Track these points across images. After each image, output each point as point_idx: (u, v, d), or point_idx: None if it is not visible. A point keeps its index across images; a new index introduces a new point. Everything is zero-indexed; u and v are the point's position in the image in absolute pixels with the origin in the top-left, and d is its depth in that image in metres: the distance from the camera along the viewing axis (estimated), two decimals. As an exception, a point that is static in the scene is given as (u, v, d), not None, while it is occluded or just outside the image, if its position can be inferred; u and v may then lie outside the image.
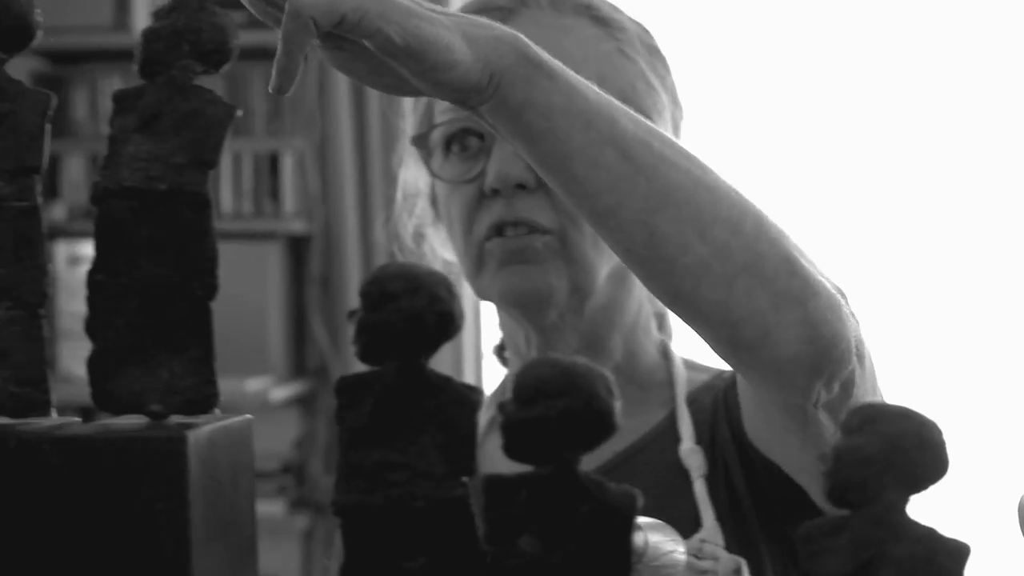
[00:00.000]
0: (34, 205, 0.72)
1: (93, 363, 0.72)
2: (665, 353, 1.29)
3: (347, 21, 0.86)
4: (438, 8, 0.92)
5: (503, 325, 1.29)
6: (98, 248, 0.72)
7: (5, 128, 0.71)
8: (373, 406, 0.67)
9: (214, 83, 0.73)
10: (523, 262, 1.18)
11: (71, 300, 3.18)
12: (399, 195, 1.34)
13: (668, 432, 1.23)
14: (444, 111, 1.21)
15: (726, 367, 1.29)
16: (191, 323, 0.71)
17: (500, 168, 1.16)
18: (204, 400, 0.72)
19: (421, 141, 1.24)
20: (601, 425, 0.64)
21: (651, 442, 1.23)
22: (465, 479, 0.67)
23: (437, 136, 1.22)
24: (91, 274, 0.72)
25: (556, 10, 1.22)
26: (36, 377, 0.72)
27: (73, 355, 3.40)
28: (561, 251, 1.18)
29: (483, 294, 1.21)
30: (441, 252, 1.32)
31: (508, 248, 1.18)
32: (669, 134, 1.23)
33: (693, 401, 1.24)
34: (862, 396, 1.04)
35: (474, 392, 0.67)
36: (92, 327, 0.71)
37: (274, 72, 0.87)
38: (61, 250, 3.63)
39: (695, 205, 0.95)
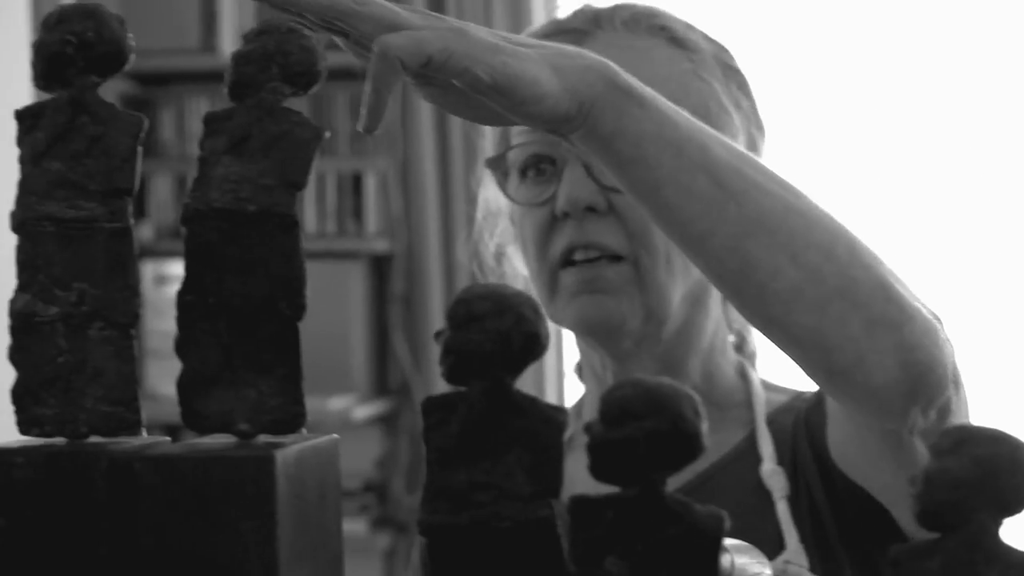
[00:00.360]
0: (126, 226, 0.73)
1: (182, 383, 0.72)
2: (743, 374, 1.28)
3: (434, 62, 0.87)
4: (524, 40, 0.93)
5: (579, 347, 1.29)
6: (188, 269, 0.72)
7: (98, 150, 0.72)
8: (459, 426, 0.67)
9: (299, 103, 0.74)
10: (595, 291, 1.17)
11: (158, 319, 3.21)
12: (479, 214, 1.35)
13: (749, 452, 1.22)
14: (519, 133, 1.22)
15: (804, 388, 1.27)
16: (279, 343, 0.72)
17: (570, 191, 1.16)
18: (291, 420, 0.72)
19: (497, 163, 1.24)
20: (688, 446, 0.64)
21: (732, 462, 1.22)
22: (551, 500, 0.67)
23: (512, 159, 1.22)
24: (181, 294, 0.72)
25: (630, 31, 1.21)
26: (127, 397, 0.73)
27: (160, 374, 3.44)
28: (634, 278, 1.18)
29: (557, 320, 1.21)
30: (522, 270, 1.32)
31: (581, 278, 1.18)
32: (744, 148, 1.22)
33: (772, 421, 1.23)
34: (957, 422, 1.02)
35: (559, 412, 0.67)
36: (182, 347, 0.72)
37: (363, 111, 0.89)
38: (148, 270, 3.67)
39: (787, 230, 0.95)
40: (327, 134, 0.72)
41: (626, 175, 0.95)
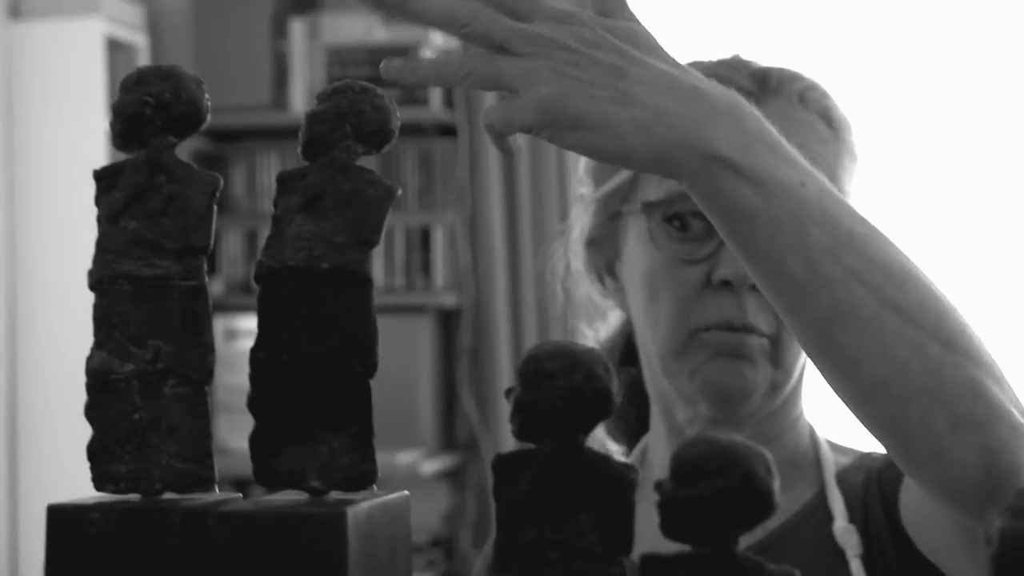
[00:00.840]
0: (200, 284, 0.74)
1: (255, 439, 0.73)
2: (812, 435, 1.27)
3: (528, 131, 0.91)
4: (631, 86, 0.91)
5: (660, 393, 1.24)
6: (261, 326, 0.73)
7: (174, 209, 0.73)
8: (530, 483, 0.67)
9: (367, 158, 0.74)
10: (737, 357, 1.17)
11: (227, 373, 3.23)
12: (566, 238, 1.32)
13: (819, 510, 1.20)
14: (661, 183, 1.18)
15: (871, 449, 1.26)
16: (351, 400, 0.72)
17: (737, 266, 1.13)
18: (362, 476, 0.72)
19: (651, 208, 1.20)
20: (760, 504, 0.63)
21: (803, 520, 1.20)
22: (622, 558, 0.66)
23: (660, 211, 1.19)
24: (254, 351, 0.73)
25: (804, 106, 1.21)
26: (201, 453, 0.73)
27: (229, 428, 3.46)
28: (770, 353, 1.18)
29: (675, 377, 1.19)
30: (591, 295, 1.29)
31: (729, 342, 1.17)
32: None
33: (842, 480, 1.22)
34: None
35: (631, 470, 0.67)
36: (255, 404, 0.73)
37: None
38: (218, 324, 3.71)
39: (878, 324, 0.93)
40: (399, 192, 0.73)
41: (724, 237, 0.95)
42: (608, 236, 1.25)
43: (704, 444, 0.63)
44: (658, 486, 0.64)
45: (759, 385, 1.18)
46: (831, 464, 1.23)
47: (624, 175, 1.23)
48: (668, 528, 0.64)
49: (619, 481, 0.66)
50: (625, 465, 0.67)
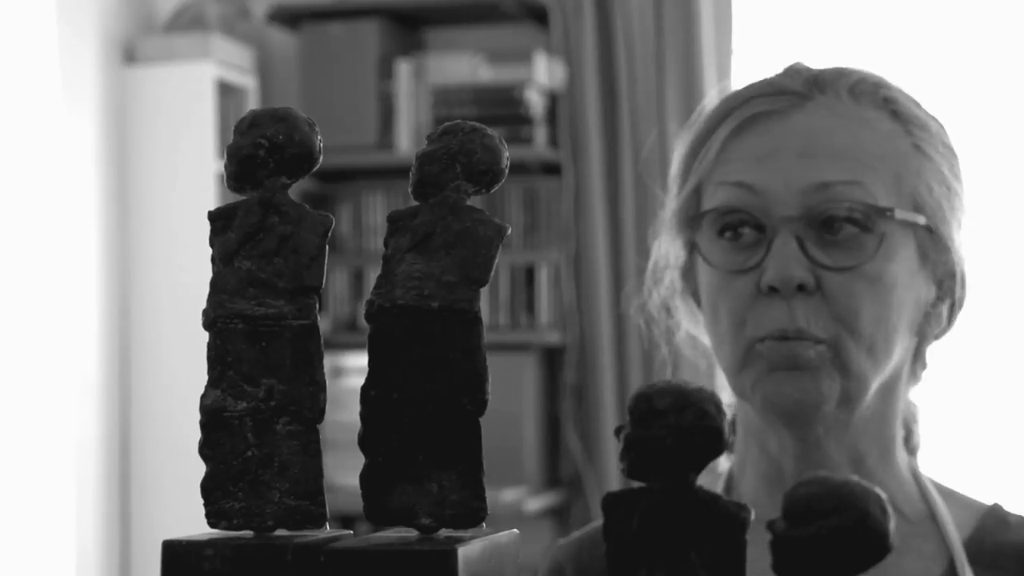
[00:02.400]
0: (313, 323, 0.74)
1: (366, 477, 0.73)
2: (915, 476, 1.21)
3: None
4: None
5: (748, 421, 1.22)
6: (371, 364, 0.73)
7: (287, 249, 0.74)
8: (640, 522, 0.66)
9: (473, 198, 0.75)
10: (795, 369, 1.12)
11: (334, 411, 3.25)
12: (650, 267, 1.29)
13: None
14: (717, 189, 1.17)
15: (981, 498, 1.20)
16: (461, 438, 0.72)
17: (782, 268, 1.11)
18: (472, 514, 0.72)
19: (694, 222, 1.19)
20: (876, 545, 0.62)
21: None
22: (734, 598, 0.66)
23: (710, 218, 1.18)
24: (365, 389, 0.73)
25: (855, 100, 1.17)
26: (312, 491, 0.74)
27: (336, 464, 3.48)
28: (833, 360, 1.12)
29: (743, 394, 1.16)
30: (687, 326, 1.27)
31: (781, 353, 1.12)
32: (956, 233, 1.16)
33: (976, 553, 1.16)
34: None
35: (742, 510, 0.66)
36: (366, 441, 0.73)
37: None
38: (326, 362, 3.73)
39: None
40: (509, 231, 0.73)
41: None
42: (691, 266, 1.24)
43: (819, 484, 0.62)
44: (771, 525, 0.64)
45: (824, 396, 1.12)
46: (950, 523, 1.17)
47: (684, 195, 1.21)
48: (781, 568, 0.63)
49: (730, 520, 0.66)
50: (736, 504, 0.66)
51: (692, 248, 1.22)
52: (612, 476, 3.79)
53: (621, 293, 3.91)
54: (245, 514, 0.74)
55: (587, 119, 3.92)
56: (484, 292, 0.73)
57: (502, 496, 3.63)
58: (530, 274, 3.97)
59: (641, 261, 1.38)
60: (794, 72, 1.20)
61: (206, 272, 0.75)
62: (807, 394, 1.13)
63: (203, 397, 0.74)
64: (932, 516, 1.19)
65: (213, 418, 0.74)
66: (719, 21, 3.89)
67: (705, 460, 0.66)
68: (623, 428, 0.66)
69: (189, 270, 3.69)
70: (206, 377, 0.75)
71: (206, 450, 0.74)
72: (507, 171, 0.74)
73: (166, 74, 3.89)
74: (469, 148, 0.73)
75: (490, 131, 0.73)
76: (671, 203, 1.24)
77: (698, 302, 1.24)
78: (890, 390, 1.18)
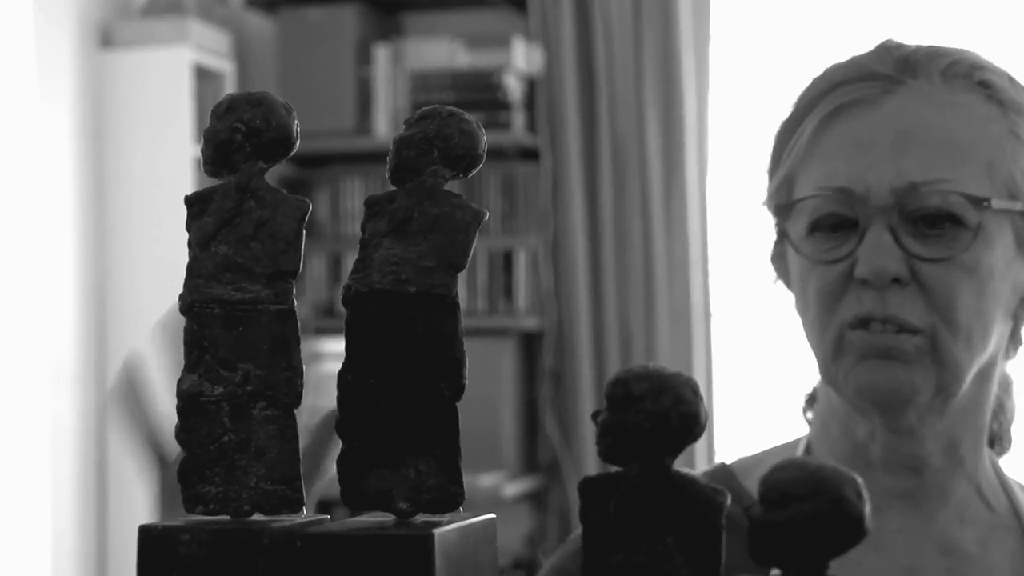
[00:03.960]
0: (290, 308, 0.74)
1: (343, 462, 0.73)
2: (997, 471, 1.20)
3: None
4: None
5: (831, 403, 1.19)
6: (348, 349, 0.73)
7: (264, 234, 0.74)
8: (617, 507, 0.66)
9: (451, 183, 0.75)
10: (887, 358, 1.10)
11: (312, 396, 3.25)
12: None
13: None
14: (817, 187, 1.14)
15: None
16: (438, 423, 0.72)
17: (875, 259, 1.09)
18: (450, 499, 0.72)
19: (784, 211, 1.17)
20: (851, 529, 0.63)
21: None
22: (711, 583, 0.66)
23: (804, 208, 1.15)
24: (342, 374, 0.73)
25: (947, 84, 1.13)
26: (289, 475, 0.74)
27: (314, 450, 3.48)
28: (930, 352, 1.10)
29: (835, 383, 1.14)
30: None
31: (873, 343, 1.10)
32: None
33: None
34: None
35: (719, 494, 0.66)
36: (342, 426, 0.73)
37: None
38: (303, 347, 3.73)
39: None
40: (487, 216, 0.73)
41: None
42: (780, 254, 1.22)
43: (794, 468, 0.62)
44: (747, 510, 0.64)
45: (918, 387, 1.10)
46: None
47: (775, 185, 1.18)
48: (758, 552, 0.63)
49: (707, 505, 0.66)
50: (713, 488, 0.66)
51: (782, 235, 1.19)
52: (590, 461, 3.79)
53: (598, 278, 3.91)
54: (222, 499, 0.74)
55: (565, 104, 3.92)
56: (462, 277, 0.73)
57: (480, 481, 3.63)
58: (508, 259, 3.97)
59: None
60: (885, 51, 1.16)
61: (183, 257, 0.75)
62: (900, 384, 1.11)
63: (179, 382, 0.74)
64: (1015, 511, 1.18)
65: (189, 403, 0.74)
66: (697, 7, 3.89)
67: (682, 445, 0.66)
68: (600, 413, 0.66)
69: (166, 255, 3.68)
70: (183, 362, 0.75)
71: (182, 435, 0.74)
72: (485, 156, 0.74)
73: (143, 59, 3.87)
74: (447, 133, 0.73)
75: (468, 116, 0.73)
76: (766, 188, 1.21)
77: (788, 285, 1.22)
78: (985, 376, 1.16)
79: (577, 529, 1.31)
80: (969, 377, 1.13)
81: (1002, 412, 1.22)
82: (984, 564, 1.14)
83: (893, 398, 1.11)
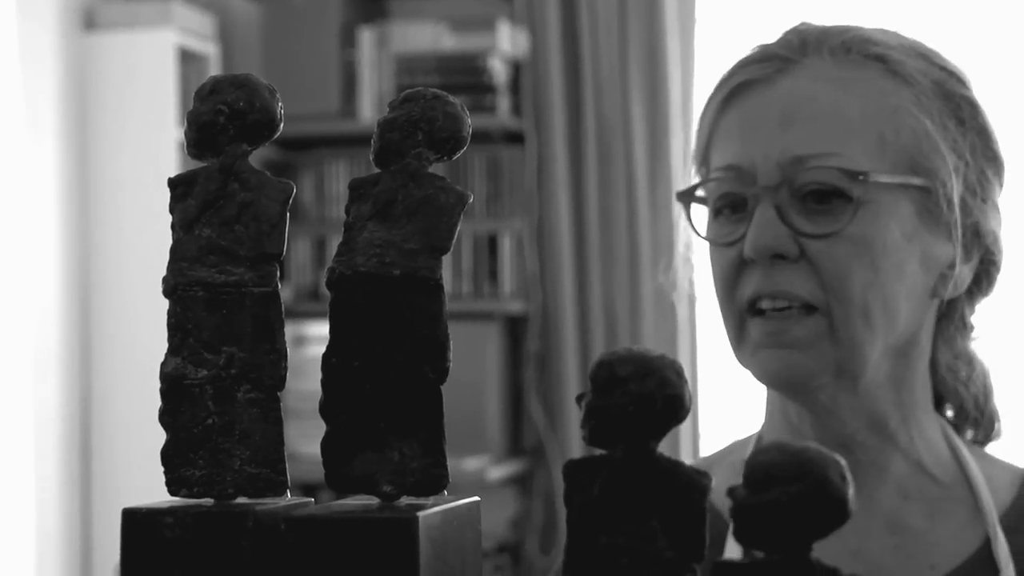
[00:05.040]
0: (273, 291, 0.74)
1: (327, 444, 0.73)
2: (948, 438, 1.19)
3: None
4: None
5: (774, 401, 1.21)
6: (333, 332, 0.73)
7: (247, 217, 0.74)
8: (601, 489, 0.67)
9: (435, 165, 0.74)
10: (782, 346, 1.11)
11: (296, 379, 3.26)
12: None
13: (987, 561, 1.14)
14: (716, 169, 1.16)
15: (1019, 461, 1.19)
16: (422, 405, 0.72)
17: (757, 236, 1.10)
18: (434, 481, 0.73)
19: (686, 196, 1.19)
20: (835, 511, 0.63)
21: (971, 574, 1.14)
22: (694, 564, 0.66)
23: (707, 193, 1.17)
24: (326, 357, 0.73)
25: (838, 60, 1.14)
26: (273, 458, 0.74)
27: (298, 433, 3.48)
28: (826, 332, 1.10)
29: (743, 366, 1.16)
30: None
31: (767, 330, 1.11)
32: (957, 192, 1.12)
33: (1018, 520, 1.15)
34: None
35: (703, 477, 0.67)
36: (327, 409, 0.73)
37: None
38: (288, 331, 3.72)
39: None
40: (471, 198, 0.73)
41: None
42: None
43: (778, 450, 0.62)
44: (731, 492, 0.64)
45: (815, 371, 1.11)
46: (985, 490, 1.16)
47: (698, 157, 1.20)
48: (742, 534, 0.64)
49: (691, 487, 0.66)
50: (697, 471, 0.67)
51: (685, 204, 1.21)
52: (575, 444, 3.80)
53: (583, 262, 3.91)
54: (206, 482, 0.74)
55: (550, 88, 3.91)
56: (447, 261, 0.73)
57: (465, 464, 3.63)
58: (493, 243, 3.97)
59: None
60: (792, 33, 1.18)
61: (166, 239, 0.75)
62: (797, 370, 1.12)
63: (163, 365, 0.74)
64: (967, 480, 1.18)
65: (173, 386, 0.74)
66: (683, -10, 3.89)
67: (666, 427, 0.66)
68: (584, 396, 0.66)
69: (149, 237, 3.67)
70: (167, 344, 0.75)
71: (166, 418, 0.74)
72: (469, 138, 0.74)
73: (126, 41, 3.86)
74: (431, 115, 0.73)
75: (452, 98, 0.73)
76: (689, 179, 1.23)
77: None
78: (904, 354, 1.15)
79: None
80: (874, 355, 1.12)
81: (965, 390, 1.22)
82: (932, 537, 1.15)
83: (791, 383, 1.13)
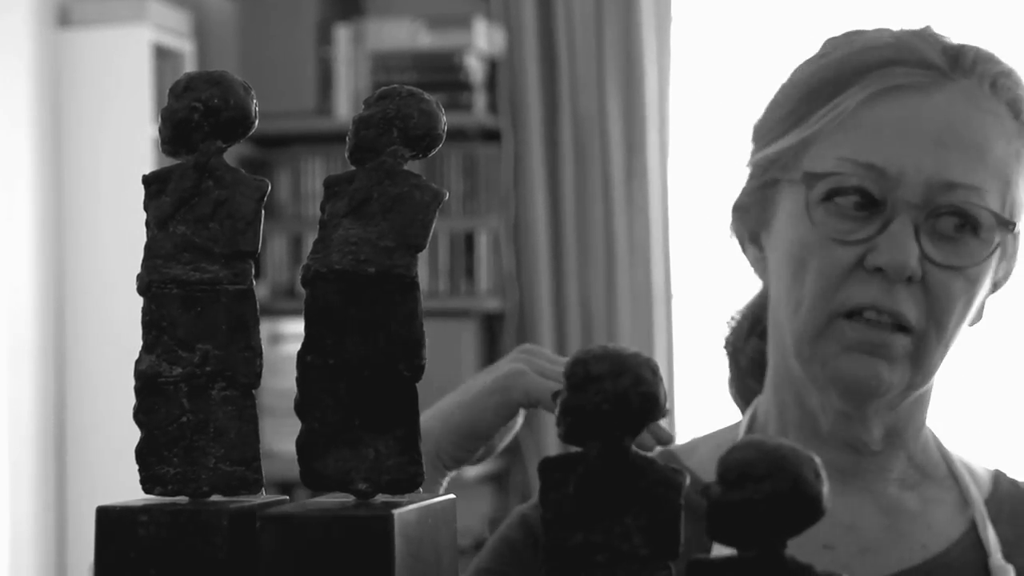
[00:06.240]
0: (248, 288, 0.74)
1: (302, 442, 0.73)
2: (940, 447, 1.22)
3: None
4: None
5: (792, 374, 1.17)
6: (308, 330, 0.73)
7: (222, 214, 0.73)
8: (576, 487, 0.67)
9: (411, 163, 0.74)
10: (874, 355, 1.11)
11: (272, 377, 3.25)
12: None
13: (975, 543, 1.16)
14: (849, 161, 1.12)
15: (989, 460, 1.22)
16: (397, 403, 0.72)
17: (899, 255, 1.09)
18: (409, 479, 0.72)
19: (812, 180, 1.13)
20: (809, 508, 0.63)
21: (958, 555, 1.16)
22: (669, 562, 0.66)
23: (825, 184, 1.12)
24: (301, 355, 0.73)
25: (995, 93, 1.14)
26: (248, 456, 0.73)
27: (274, 431, 3.47)
28: (912, 353, 1.11)
29: (807, 362, 1.14)
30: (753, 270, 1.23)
31: (867, 338, 1.11)
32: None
33: (997, 512, 1.18)
34: None
35: (678, 474, 0.67)
36: (302, 407, 0.73)
37: None
38: (264, 329, 3.71)
39: None
40: (446, 196, 0.73)
41: None
42: (759, 203, 1.18)
43: (752, 448, 0.63)
44: (706, 489, 0.64)
45: (894, 385, 1.12)
46: (974, 487, 1.19)
47: (789, 140, 1.16)
48: (716, 532, 0.64)
49: (666, 484, 0.66)
50: (671, 469, 0.67)
51: (767, 195, 1.17)
52: (551, 442, 3.80)
53: (560, 260, 3.91)
54: (180, 480, 0.73)
55: (527, 86, 3.91)
56: (423, 258, 0.73)
57: (441, 462, 3.63)
58: (469, 240, 3.97)
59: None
60: (932, 39, 1.15)
61: (141, 236, 0.74)
62: (880, 381, 1.11)
63: (138, 362, 0.74)
64: (952, 474, 1.20)
65: (148, 383, 0.74)
66: (659, -12, 3.89)
67: (641, 425, 0.66)
68: (560, 393, 0.66)
69: (124, 234, 3.65)
70: (141, 342, 0.74)
71: (141, 416, 0.74)
72: (444, 136, 0.74)
73: (101, 38, 3.84)
74: (406, 113, 0.73)
75: (427, 96, 0.73)
76: (761, 145, 1.18)
77: (744, 246, 1.21)
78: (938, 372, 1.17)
79: (523, 504, 1.32)
80: (935, 376, 1.15)
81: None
82: (925, 520, 1.17)
83: (869, 393, 1.12)
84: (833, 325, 1.12)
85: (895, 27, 1.18)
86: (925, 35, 1.16)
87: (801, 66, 1.18)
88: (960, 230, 1.11)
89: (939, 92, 1.13)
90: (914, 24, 1.18)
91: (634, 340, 3.82)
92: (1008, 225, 1.12)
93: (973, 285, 1.12)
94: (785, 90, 1.18)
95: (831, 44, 1.18)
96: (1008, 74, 1.15)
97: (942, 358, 1.13)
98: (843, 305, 1.11)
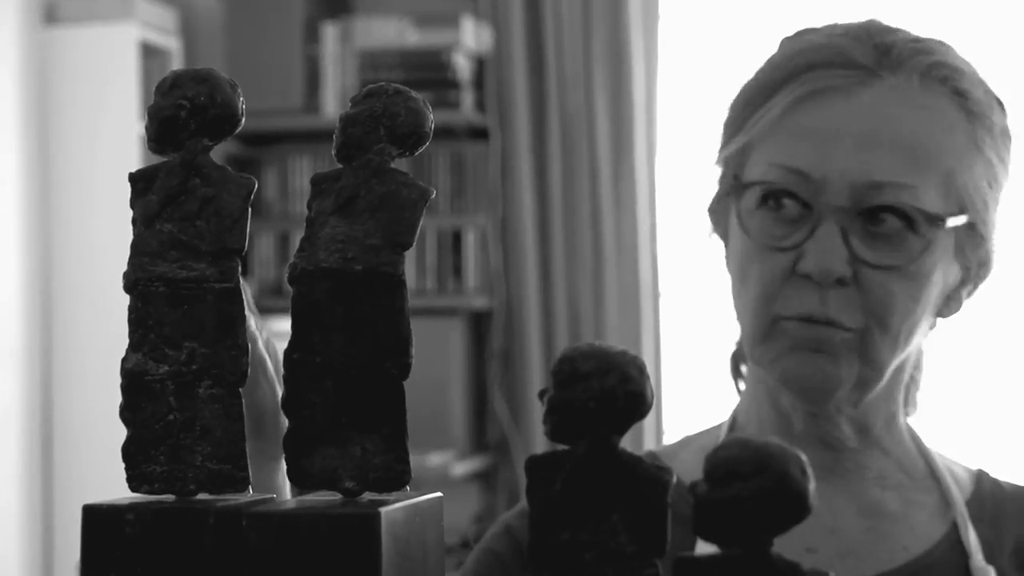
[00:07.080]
0: (235, 286, 0.74)
1: (289, 440, 0.73)
2: (914, 439, 1.22)
3: None
4: None
5: (762, 373, 1.19)
6: (295, 328, 0.73)
7: (209, 212, 0.73)
8: (563, 485, 0.67)
9: (399, 161, 0.74)
10: (817, 351, 1.12)
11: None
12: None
13: (955, 544, 1.17)
14: (763, 167, 1.13)
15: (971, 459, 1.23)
16: (384, 401, 0.72)
17: (823, 261, 1.09)
18: (396, 477, 0.72)
19: (739, 189, 1.15)
20: (795, 505, 0.63)
21: (939, 557, 1.17)
22: (656, 559, 0.66)
23: (753, 189, 1.14)
24: (288, 353, 0.73)
25: (924, 85, 1.12)
26: (235, 454, 0.73)
27: (261, 429, 3.47)
28: (857, 347, 1.12)
29: (760, 363, 1.15)
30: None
31: (807, 335, 1.11)
32: (991, 216, 1.14)
33: (978, 512, 1.18)
34: None
35: (665, 472, 0.67)
36: (289, 405, 0.73)
37: None
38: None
39: None
40: (433, 194, 0.73)
41: None
42: (724, 208, 1.20)
43: (739, 446, 0.63)
44: (693, 487, 0.64)
45: (843, 380, 1.12)
46: (955, 487, 1.19)
47: (732, 147, 1.17)
48: (703, 529, 0.64)
49: (653, 482, 0.66)
50: (658, 466, 0.67)
51: (727, 193, 1.18)
52: (539, 440, 3.80)
53: (547, 258, 3.91)
54: (167, 478, 0.73)
55: (514, 84, 3.91)
56: (410, 256, 0.73)
57: (429, 460, 3.63)
58: (457, 239, 3.97)
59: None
60: (866, 35, 1.15)
61: (128, 234, 0.74)
62: (826, 377, 1.12)
63: (124, 360, 0.74)
64: (933, 475, 1.20)
65: (134, 381, 0.74)
66: (646, -13, 3.90)
67: (628, 423, 0.66)
68: (547, 391, 0.66)
69: (110, 232, 3.65)
70: (128, 340, 0.74)
71: (127, 414, 0.74)
72: (431, 134, 0.74)
73: (88, 35, 3.83)
74: (393, 111, 0.73)
75: (414, 94, 0.73)
76: (721, 145, 1.19)
77: (724, 242, 1.21)
78: (900, 368, 1.18)
79: (508, 512, 1.32)
80: (889, 373, 1.15)
81: (912, 384, 1.24)
82: (906, 522, 1.18)
83: (817, 390, 1.13)
84: (777, 326, 1.13)
85: (843, 21, 1.17)
86: (859, 31, 1.16)
87: (755, 69, 1.20)
88: (891, 225, 1.10)
89: (865, 92, 1.12)
90: (862, 17, 1.17)
91: (621, 338, 3.82)
92: (936, 221, 1.10)
93: (915, 282, 1.11)
94: (734, 95, 1.20)
95: (780, 45, 1.19)
96: (942, 64, 1.14)
97: (893, 352, 1.13)
98: (782, 312, 1.12)
